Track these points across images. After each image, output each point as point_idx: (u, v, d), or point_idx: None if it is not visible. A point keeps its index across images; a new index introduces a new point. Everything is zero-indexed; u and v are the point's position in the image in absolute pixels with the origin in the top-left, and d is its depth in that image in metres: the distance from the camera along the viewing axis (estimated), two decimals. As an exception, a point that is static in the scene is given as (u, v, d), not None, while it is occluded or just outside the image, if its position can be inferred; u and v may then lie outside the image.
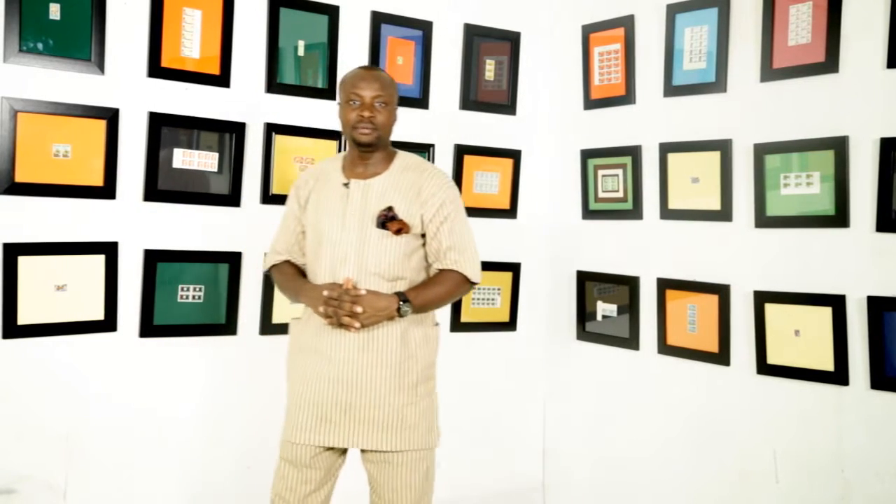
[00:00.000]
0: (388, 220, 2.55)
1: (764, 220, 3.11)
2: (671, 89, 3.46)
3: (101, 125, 3.05)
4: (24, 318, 2.92)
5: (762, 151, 3.12)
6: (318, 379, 2.57)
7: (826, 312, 2.92)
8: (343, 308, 2.46)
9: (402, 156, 2.69)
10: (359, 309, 2.44)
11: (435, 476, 2.69)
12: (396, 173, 2.62)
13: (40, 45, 2.94)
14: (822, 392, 2.95)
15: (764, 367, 3.11)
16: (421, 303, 2.53)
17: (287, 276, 2.74)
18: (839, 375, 2.90)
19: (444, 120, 3.78)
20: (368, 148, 2.59)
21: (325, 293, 2.51)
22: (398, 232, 2.54)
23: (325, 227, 2.61)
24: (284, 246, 2.79)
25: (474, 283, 2.66)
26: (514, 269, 3.97)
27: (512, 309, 4.01)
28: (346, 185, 2.62)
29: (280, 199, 3.41)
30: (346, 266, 2.55)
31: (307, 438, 2.58)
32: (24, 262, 2.91)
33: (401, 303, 2.49)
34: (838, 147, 2.89)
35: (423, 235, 2.61)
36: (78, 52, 3.01)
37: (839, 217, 2.89)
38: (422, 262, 2.64)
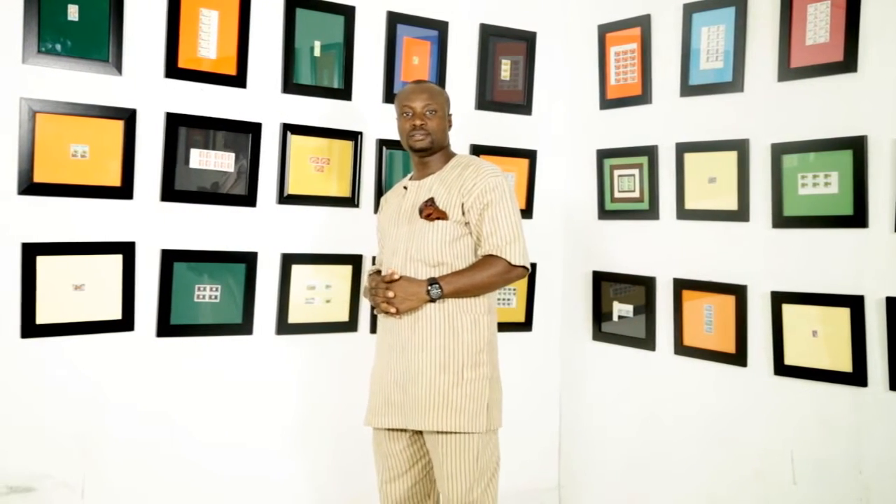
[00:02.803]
0: (425, 208, 2.73)
1: (781, 220, 3.10)
2: (688, 89, 3.45)
3: (118, 126, 3.06)
4: (42, 318, 2.94)
5: (779, 151, 3.10)
6: (384, 366, 2.81)
7: (844, 313, 2.90)
8: (379, 295, 2.69)
9: (459, 157, 2.89)
10: (391, 294, 2.66)
11: (496, 466, 2.78)
12: (447, 171, 2.82)
13: (58, 47, 2.95)
14: (840, 393, 2.93)
15: (781, 368, 3.09)
16: (454, 287, 2.67)
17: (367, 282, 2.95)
18: (857, 376, 2.88)
19: (459, 120, 3.75)
20: (424, 153, 2.82)
21: (365, 284, 2.82)
22: (429, 217, 2.71)
23: (387, 225, 2.90)
24: (377, 258, 3.07)
25: (520, 268, 2.73)
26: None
27: (527, 309, 4.01)
28: (405, 188, 2.89)
29: (296, 200, 3.43)
30: (396, 256, 2.78)
31: (376, 422, 2.81)
32: (42, 261, 2.93)
33: (430, 286, 2.64)
34: (856, 147, 2.87)
35: (469, 224, 2.74)
36: (96, 53, 3.02)
37: (857, 217, 2.88)
38: (467, 249, 2.76)
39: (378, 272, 2.96)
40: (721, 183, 3.31)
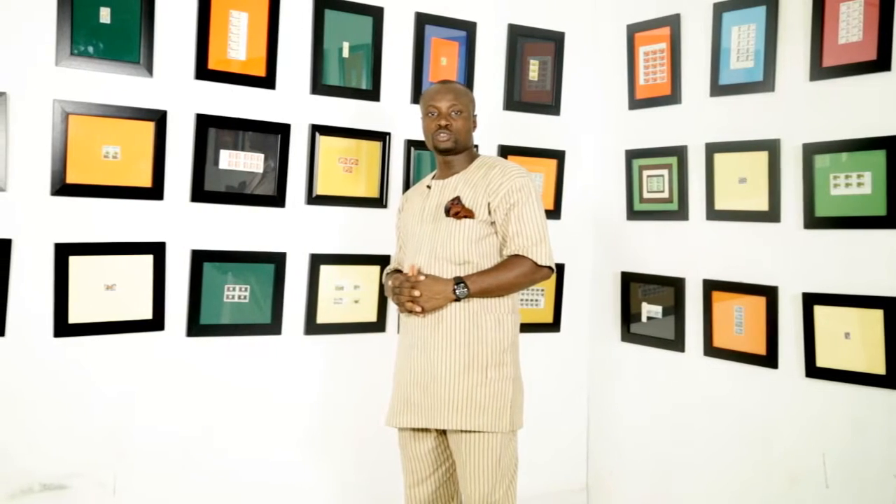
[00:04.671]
0: (452, 206, 2.72)
1: (813, 220, 3.07)
2: (718, 88, 3.43)
3: (149, 127, 3.09)
4: (74, 318, 2.97)
5: (811, 151, 3.07)
6: (405, 364, 2.80)
7: (877, 315, 2.87)
8: (404, 294, 2.67)
9: (483, 157, 2.89)
10: (416, 293, 2.65)
11: (516, 467, 2.77)
12: (472, 171, 2.82)
13: (91, 49, 2.98)
14: (873, 396, 2.90)
15: (813, 370, 3.06)
16: (480, 286, 2.65)
17: (386, 281, 2.95)
18: (891, 379, 2.84)
19: (487, 120, 3.77)
20: (448, 153, 2.81)
21: (390, 283, 2.78)
22: (457, 215, 2.70)
23: (409, 224, 2.90)
24: (394, 257, 3.08)
25: (546, 269, 2.72)
26: (558, 269, 3.95)
27: (556, 310, 4.00)
28: (428, 186, 2.89)
29: (324, 200, 3.44)
30: (420, 254, 2.77)
31: (395, 421, 2.80)
32: (74, 261, 2.96)
33: (456, 285, 2.63)
34: (890, 147, 2.84)
35: (495, 224, 2.73)
36: (127, 55, 3.05)
37: (891, 218, 2.84)
38: (493, 248, 2.75)
39: (397, 271, 2.96)
40: (752, 183, 3.29)
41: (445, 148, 2.78)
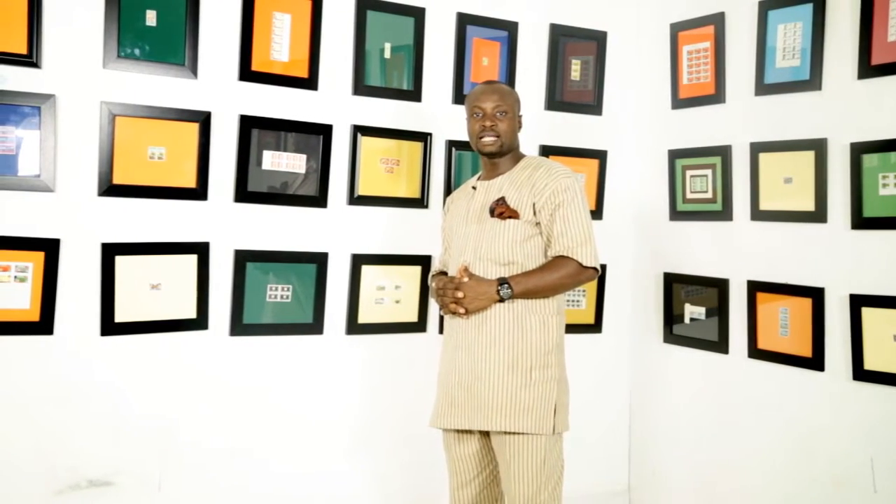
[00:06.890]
0: (497, 207, 2.70)
1: (861, 221, 3.02)
2: (763, 87, 3.38)
3: (194, 128, 3.12)
4: (120, 316, 3.01)
5: (859, 151, 3.02)
6: (449, 365, 2.78)
7: (928, 317, 2.82)
8: (447, 295, 2.66)
9: (529, 158, 2.85)
10: (460, 294, 2.64)
11: (561, 469, 2.74)
12: (517, 172, 2.79)
13: (137, 51, 3.02)
14: (923, 400, 2.85)
15: (860, 373, 3.01)
16: (524, 287, 2.63)
17: (431, 283, 2.94)
18: (941, 383, 2.79)
19: (528, 120, 3.74)
20: (494, 155, 2.79)
21: (433, 285, 2.78)
22: (501, 216, 2.68)
23: (454, 225, 2.88)
24: (439, 259, 3.07)
25: (591, 270, 2.69)
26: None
27: (597, 311, 3.98)
28: (473, 188, 2.87)
29: (366, 200, 3.45)
30: (464, 255, 2.76)
31: (440, 423, 2.79)
32: (120, 261, 3.00)
33: (500, 286, 2.61)
34: (941, 145, 2.79)
35: (540, 224, 2.71)
36: (173, 57, 3.09)
37: (942, 218, 2.79)
38: (538, 249, 2.72)
39: (442, 273, 2.96)
40: (797, 183, 3.24)
41: (490, 152, 2.77)
